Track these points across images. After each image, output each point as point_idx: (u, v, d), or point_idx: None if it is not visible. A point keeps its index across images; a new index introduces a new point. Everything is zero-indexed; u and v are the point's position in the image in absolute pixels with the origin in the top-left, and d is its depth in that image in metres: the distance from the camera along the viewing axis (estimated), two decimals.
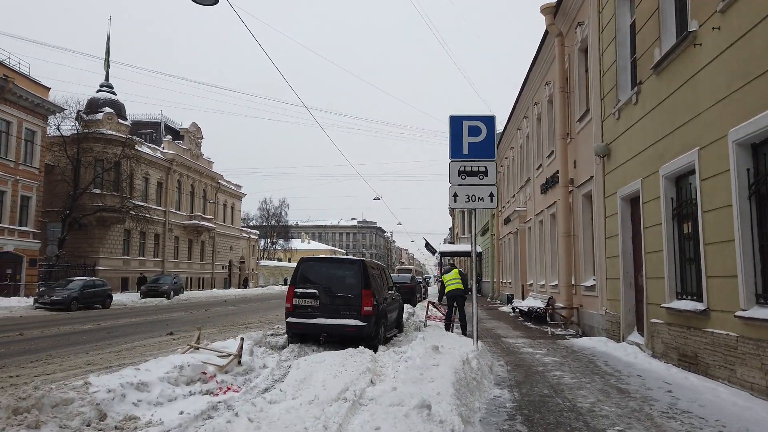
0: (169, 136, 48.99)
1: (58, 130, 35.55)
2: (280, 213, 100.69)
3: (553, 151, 15.75)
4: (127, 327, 16.31)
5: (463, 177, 8.33)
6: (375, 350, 10.09)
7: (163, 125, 50.04)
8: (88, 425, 4.87)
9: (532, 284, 19.70)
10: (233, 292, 48.50)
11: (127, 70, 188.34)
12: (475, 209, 8.39)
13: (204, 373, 6.92)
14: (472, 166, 8.30)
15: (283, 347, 10.74)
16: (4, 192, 29.63)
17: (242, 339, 7.95)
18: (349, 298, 10.39)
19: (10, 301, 25.00)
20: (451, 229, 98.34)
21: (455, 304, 12.92)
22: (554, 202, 15.45)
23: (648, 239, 9.01)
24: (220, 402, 6.16)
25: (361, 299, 10.32)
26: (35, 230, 31.89)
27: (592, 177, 11.92)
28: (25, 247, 30.89)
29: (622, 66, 10.27)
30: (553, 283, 16.02)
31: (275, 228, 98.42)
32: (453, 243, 65.66)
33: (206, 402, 6.09)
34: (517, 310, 19.42)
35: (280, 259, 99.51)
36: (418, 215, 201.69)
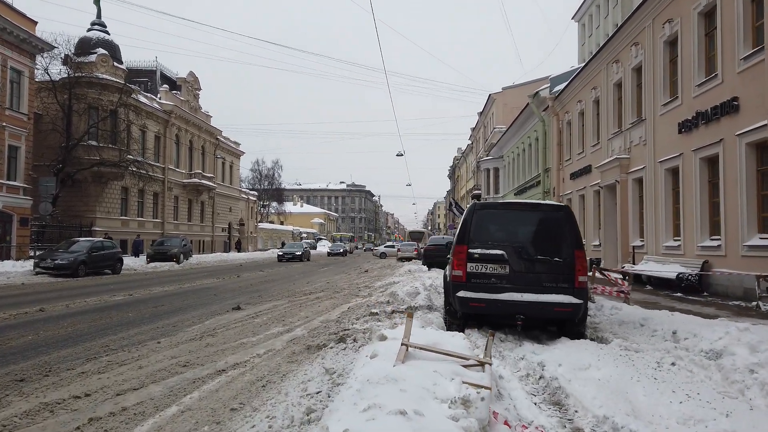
0: (165, 86, 44.41)
1: (47, 73, 30.98)
2: (273, 174, 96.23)
3: (717, 74, 12.37)
4: (169, 299, 12.82)
5: None
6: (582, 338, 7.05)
7: (158, 73, 45.34)
8: None
9: (643, 246, 16.56)
10: (240, 256, 44.93)
11: (115, 6, 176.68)
12: None
13: (495, 412, 3.56)
14: None
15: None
16: None
17: (492, 335, 4.59)
18: (555, 263, 7.04)
19: (4, 265, 21.13)
20: (450, 192, 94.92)
21: None
22: (720, 140, 12.17)
23: None
24: None
25: (573, 265, 7.00)
26: (25, 185, 27.83)
27: None
28: (15, 204, 26.89)
29: None
30: (712, 244, 12.87)
31: (268, 191, 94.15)
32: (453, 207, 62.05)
33: None
34: (627, 277, 16.30)
35: (272, 222, 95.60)
36: (413, 177, 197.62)
